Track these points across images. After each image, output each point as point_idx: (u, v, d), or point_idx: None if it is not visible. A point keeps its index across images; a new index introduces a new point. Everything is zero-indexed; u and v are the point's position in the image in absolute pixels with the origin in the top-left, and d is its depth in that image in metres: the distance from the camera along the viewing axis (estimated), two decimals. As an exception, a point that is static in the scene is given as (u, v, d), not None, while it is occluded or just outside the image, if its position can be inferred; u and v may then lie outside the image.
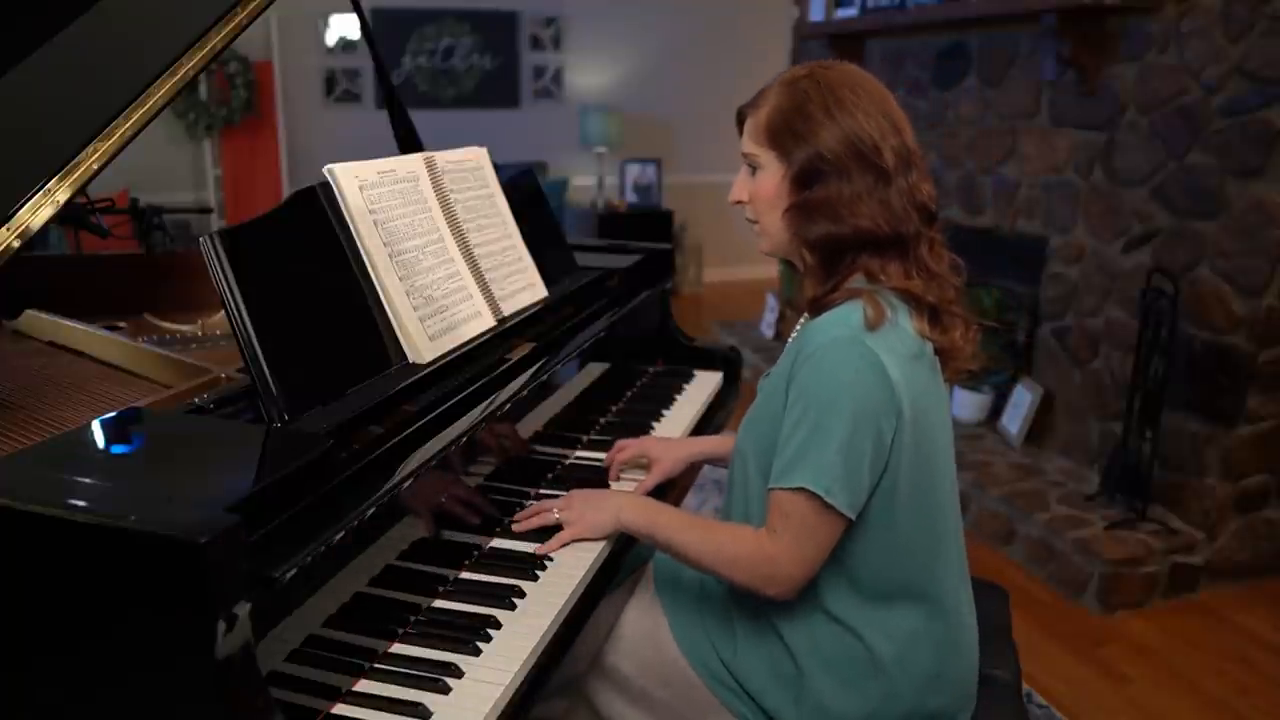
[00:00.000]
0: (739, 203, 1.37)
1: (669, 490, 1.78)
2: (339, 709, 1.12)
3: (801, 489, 1.21)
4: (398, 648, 1.23)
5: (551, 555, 1.44)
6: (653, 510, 1.41)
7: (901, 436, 1.24)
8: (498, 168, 1.82)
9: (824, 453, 1.20)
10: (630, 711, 1.44)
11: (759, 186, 1.33)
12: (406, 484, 1.27)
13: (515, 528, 1.49)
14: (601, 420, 1.98)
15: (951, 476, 1.36)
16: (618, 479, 1.73)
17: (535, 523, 1.48)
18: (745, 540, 1.28)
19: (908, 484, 1.26)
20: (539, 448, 1.71)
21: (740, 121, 1.37)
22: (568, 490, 1.66)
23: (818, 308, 1.29)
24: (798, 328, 1.38)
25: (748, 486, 1.36)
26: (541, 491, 1.65)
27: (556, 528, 1.48)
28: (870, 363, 1.20)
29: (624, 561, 1.55)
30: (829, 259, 1.29)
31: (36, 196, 1.39)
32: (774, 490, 1.25)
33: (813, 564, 1.24)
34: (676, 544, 1.34)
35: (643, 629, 1.46)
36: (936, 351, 1.31)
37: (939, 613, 1.32)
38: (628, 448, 1.74)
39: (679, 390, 2.16)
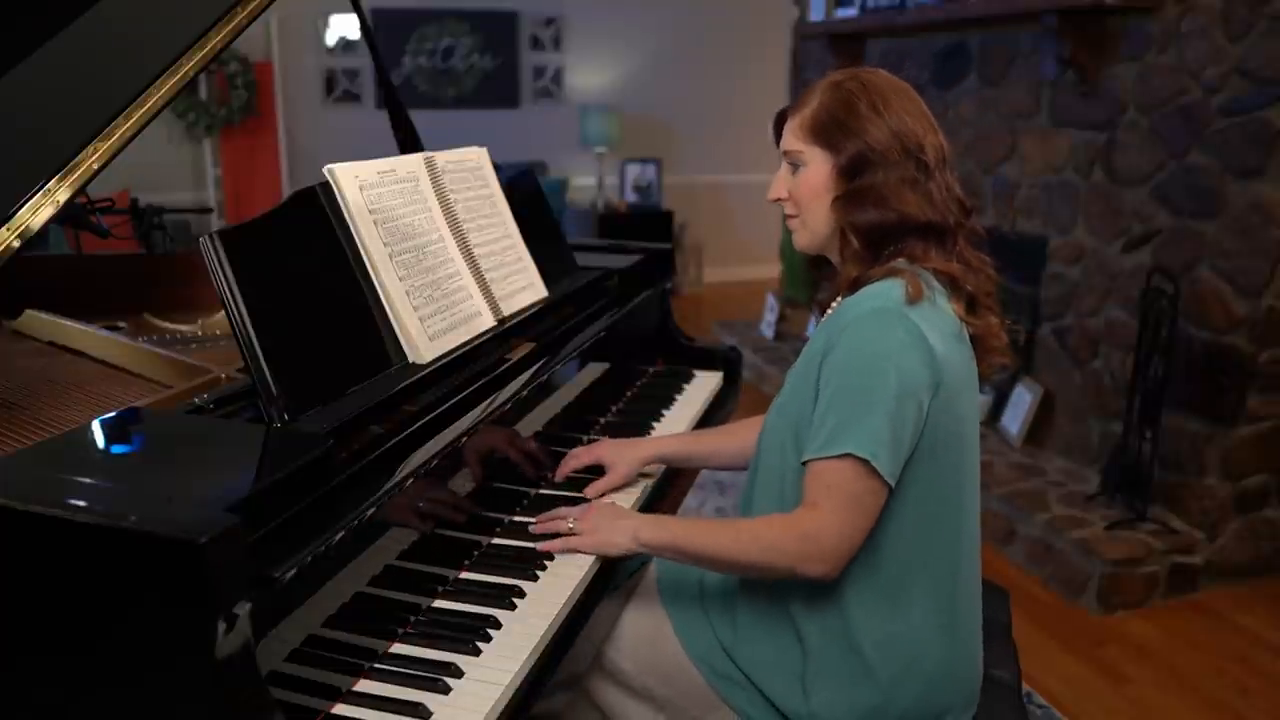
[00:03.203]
0: (778, 200, 1.41)
1: (667, 492, 1.78)
2: (339, 709, 1.12)
3: (847, 455, 1.20)
4: (398, 648, 1.23)
5: (552, 554, 1.43)
6: (672, 525, 1.38)
7: (937, 410, 1.25)
8: (498, 168, 1.82)
9: (870, 419, 1.20)
10: (632, 705, 1.45)
11: (803, 181, 1.37)
12: (407, 484, 1.27)
13: (533, 529, 1.47)
14: (601, 420, 1.98)
15: (976, 464, 1.37)
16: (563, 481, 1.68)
17: (550, 528, 1.46)
18: (779, 524, 1.27)
19: (939, 461, 1.28)
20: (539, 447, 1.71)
21: (778, 124, 1.43)
22: (567, 490, 1.66)
23: (857, 286, 1.32)
24: (832, 308, 1.40)
25: (784, 475, 1.35)
26: (541, 491, 1.65)
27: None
28: (912, 333, 1.23)
29: (624, 562, 1.55)
30: (874, 244, 1.33)
31: (36, 196, 1.39)
32: (814, 462, 1.24)
33: (857, 535, 1.23)
34: (707, 549, 1.31)
35: (644, 629, 1.46)
36: (972, 339, 1.35)
37: (949, 615, 1.32)
38: (579, 456, 1.68)
39: (679, 390, 2.16)
